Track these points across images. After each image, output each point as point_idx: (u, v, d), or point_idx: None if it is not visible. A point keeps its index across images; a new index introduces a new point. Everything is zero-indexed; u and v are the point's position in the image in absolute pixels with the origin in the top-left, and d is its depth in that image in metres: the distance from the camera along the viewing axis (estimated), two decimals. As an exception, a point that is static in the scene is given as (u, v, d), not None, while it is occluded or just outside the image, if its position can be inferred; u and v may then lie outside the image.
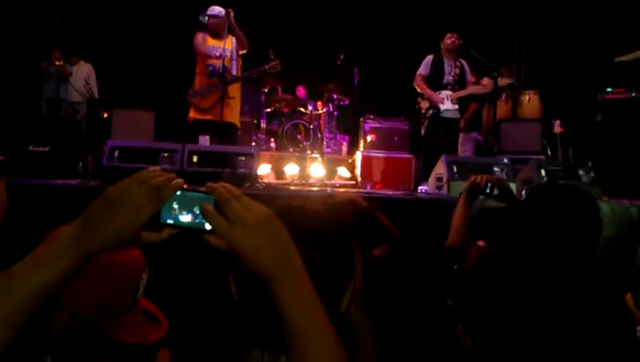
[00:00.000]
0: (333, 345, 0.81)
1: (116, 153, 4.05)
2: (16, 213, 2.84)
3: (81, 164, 5.53)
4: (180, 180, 0.83)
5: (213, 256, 0.88)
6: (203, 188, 0.83)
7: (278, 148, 7.12)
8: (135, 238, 0.81)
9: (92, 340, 1.16)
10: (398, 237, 1.92)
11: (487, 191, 2.09)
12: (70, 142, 5.32)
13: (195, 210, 0.82)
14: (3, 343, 0.77)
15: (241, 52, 5.55)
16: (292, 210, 0.99)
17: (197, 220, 0.82)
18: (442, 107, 5.89)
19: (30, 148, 5.09)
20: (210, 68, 5.40)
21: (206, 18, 5.50)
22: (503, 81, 6.03)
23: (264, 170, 6.05)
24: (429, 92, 5.94)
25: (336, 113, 7.48)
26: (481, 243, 1.80)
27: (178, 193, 0.82)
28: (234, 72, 5.52)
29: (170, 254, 2.44)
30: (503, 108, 6.96)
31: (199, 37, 5.51)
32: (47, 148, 5.14)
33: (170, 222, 0.82)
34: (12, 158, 4.72)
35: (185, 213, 0.82)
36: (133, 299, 1.27)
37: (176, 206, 0.82)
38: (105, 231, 0.80)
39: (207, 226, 0.81)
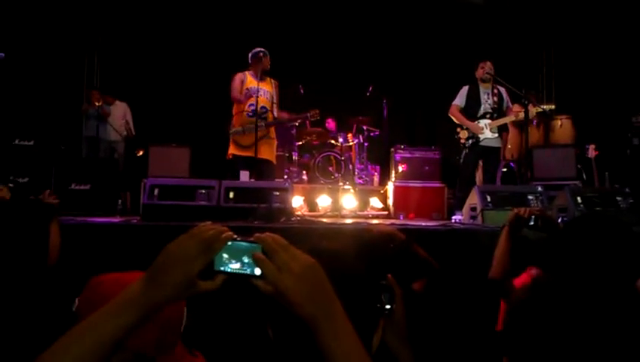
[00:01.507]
0: None
1: (156, 191, 4.17)
2: (64, 250, 2.96)
3: (120, 201, 5.71)
4: (229, 233, 0.92)
5: (253, 298, 0.94)
6: (251, 239, 0.91)
7: (310, 181, 7.21)
8: (192, 287, 0.90)
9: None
10: (437, 270, 1.94)
11: (531, 223, 2.10)
12: (109, 180, 5.52)
13: (244, 258, 0.90)
14: None
15: None
16: (316, 253, 1.03)
17: (246, 267, 0.90)
18: (482, 136, 5.83)
19: (72, 186, 5.30)
20: (252, 108, 5.57)
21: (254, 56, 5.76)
22: (534, 109, 5.96)
23: (297, 202, 6.13)
24: (465, 121, 5.88)
25: (366, 144, 7.55)
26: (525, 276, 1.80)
27: (229, 243, 0.91)
28: (274, 114, 5.76)
29: (214, 298, 2.50)
30: (534, 135, 6.91)
31: (237, 80, 5.71)
32: (87, 187, 5.34)
33: (222, 269, 0.91)
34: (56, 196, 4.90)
35: (235, 261, 0.91)
36: (180, 330, 1.34)
37: (227, 255, 0.91)
38: (165, 283, 0.89)
39: (256, 272, 0.89)
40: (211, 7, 8.52)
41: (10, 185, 4.11)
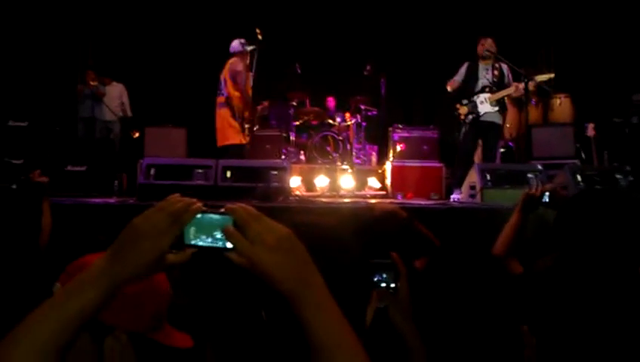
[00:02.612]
0: (357, 358, 0.83)
1: (152, 171, 4.13)
2: (59, 231, 2.93)
3: (116, 182, 5.67)
4: (198, 204, 0.87)
5: (241, 276, 0.91)
6: (222, 210, 0.86)
7: (307, 161, 7.15)
8: (161, 262, 0.85)
9: (149, 352, 1.20)
10: (439, 248, 1.92)
11: (546, 200, 2.07)
12: (105, 161, 5.47)
13: (215, 230, 0.86)
14: None
15: None
16: (301, 227, 1.00)
17: (218, 240, 0.86)
18: (482, 110, 5.72)
19: (68, 168, 5.24)
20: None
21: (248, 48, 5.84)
22: (537, 77, 5.86)
23: (294, 182, 6.08)
24: (457, 79, 5.88)
25: (364, 124, 7.49)
26: None
27: (199, 216, 0.86)
28: None
29: (200, 275, 2.47)
30: (533, 114, 6.86)
31: (244, 72, 5.78)
32: (84, 168, 5.28)
33: (192, 243, 0.86)
34: (51, 178, 4.86)
35: (206, 233, 0.86)
36: (167, 303, 1.31)
37: (197, 227, 0.86)
38: (131, 259, 0.84)
39: (228, 245, 0.84)
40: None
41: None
